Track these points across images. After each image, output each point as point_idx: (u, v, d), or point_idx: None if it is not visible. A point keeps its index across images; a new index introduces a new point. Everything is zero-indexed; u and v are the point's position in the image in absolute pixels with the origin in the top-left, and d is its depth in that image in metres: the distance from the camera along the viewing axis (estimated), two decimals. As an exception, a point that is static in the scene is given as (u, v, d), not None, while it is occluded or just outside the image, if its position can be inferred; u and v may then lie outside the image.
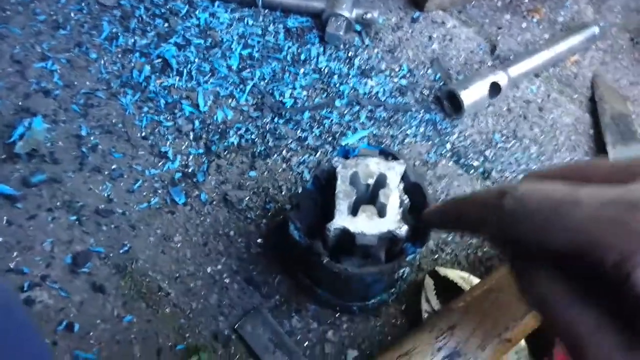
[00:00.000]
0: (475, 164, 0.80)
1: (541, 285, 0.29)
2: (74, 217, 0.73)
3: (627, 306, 0.26)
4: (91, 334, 0.67)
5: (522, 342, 0.66)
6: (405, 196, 0.58)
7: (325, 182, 0.60)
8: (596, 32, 0.89)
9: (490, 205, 0.30)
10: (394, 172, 0.57)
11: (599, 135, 0.81)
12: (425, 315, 0.68)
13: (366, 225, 0.54)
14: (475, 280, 0.70)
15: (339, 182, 0.56)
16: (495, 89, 0.81)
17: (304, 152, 0.79)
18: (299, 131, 0.80)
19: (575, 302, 0.28)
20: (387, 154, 0.60)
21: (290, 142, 0.79)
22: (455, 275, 0.70)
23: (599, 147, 0.81)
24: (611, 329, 0.27)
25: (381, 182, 0.57)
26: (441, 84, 0.86)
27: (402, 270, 0.61)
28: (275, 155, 0.78)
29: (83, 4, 0.89)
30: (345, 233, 0.54)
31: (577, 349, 0.28)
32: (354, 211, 0.55)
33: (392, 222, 0.54)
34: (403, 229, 0.54)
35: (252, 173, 0.77)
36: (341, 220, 0.54)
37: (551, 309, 0.29)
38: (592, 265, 0.26)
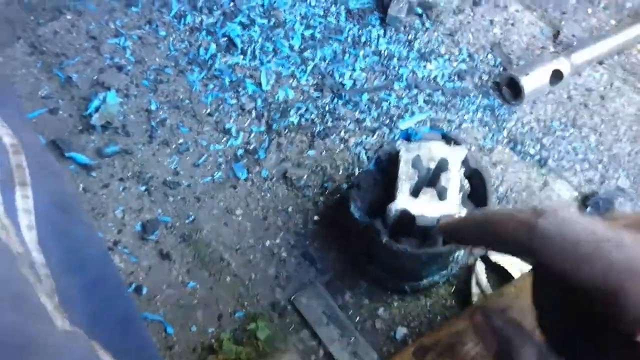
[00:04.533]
0: (532, 151, 0.80)
1: None
2: (144, 188, 0.78)
3: None
4: (157, 297, 0.72)
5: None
6: (466, 181, 0.59)
7: (387, 163, 0.62)
8: (667, 20, 0.87)
9: (523, 222, 0.29)
10: (455, 156, 0.58)
11: (664, 126, 0.80)
12: (475, 298, 0.70)
13: (427, 207, 0.56)
14: (526, 267, 0.71)
15: (401, 164, 0.58)
16: (557, 76, 0.80)
17: (362, 133, 0.81)
18: (357, 112, 0.82)
19: None
20: (449, 139, 0.61)
21: (348, 123, 0.81)
22: (506, 261, 0.71)
23: (663, 139, 0.79)
24: None
25: (443, 166, 0.58)
26: (501, 69, 0.85)
27: (457, 253, 0.63)
28: (334, 136, 0.81)
29: (153, -17, 0.93)
30: (405, 214, 0.56)
31: None
32: (414, 193, 0.57)
33: (453, 205, 0.56)
34: (463, 213, 0.56)
35: (311, 152, 0.80)
36: (403, 201, 0.56)
37: None
38: (611, 314, 0.25)
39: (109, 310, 0.55)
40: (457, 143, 0.60)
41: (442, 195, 0.57)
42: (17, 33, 0.88)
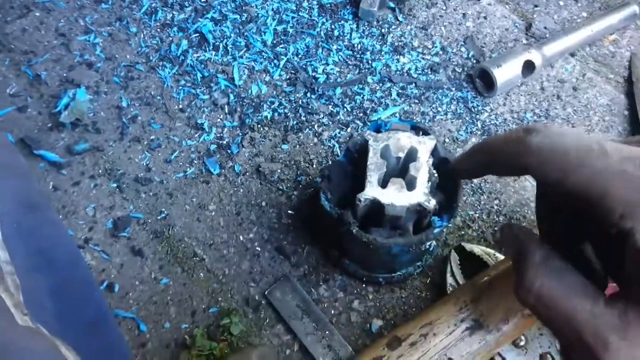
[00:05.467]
0: (506, 142, 0.80)
1: (539, 278, 0.31)
2: (115, 184, 0.77)
3: (627, 265, 0.28)
4: (130, 294, 0.71)
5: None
6: (434, 171, 0.59)
7: (357, 155, 0.62)
8: (637, 11, 0.87)
9: (514, 139, 0.31)
10: (424, 146, 0.58)
11: (634, 116, 0.80)
12: (449, 289, 0.70)
13: (395, 196, 0.56)
14: (500, 257, 0.71)
15: (370, 154, 0.58)
16: (529, 67, 0.80)
17: (335, 126, 0.80)
18: (330, 106, 0.82)
19: (570, 293, 0.30)
20: (418, 129, 0.61)
21: (322, 116, 0.81)
22: (481, 251, 0.71)
23: (634, 128, 0.80)
24: (607, 312, 0.28)
25: (411, 155, 0.58)
26: (474, 62, 0.86)
27: (429, 244, 0.62)
28: (307, 130, 0.80)
29: (124, -21, 0.91)
30: (375, 204, 0.56)
31: (575, 340, 0.29)
32: (383, 183, 0.57)
33: (421, 194, 0.56)
34: (431, 202, 0.55)
35: (285, 146, 0.79)
36: (371, 191, 0.56)
37: (549, 304, 0.30)
38: (601, 216, 0.28)
39: (78, 310, 0.55)
40: (426, 133, 0.60)
41: (411, 184, 0.56)
42: (-15, 31, 0.87)
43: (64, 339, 0.43)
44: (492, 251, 0.71)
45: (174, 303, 0.70)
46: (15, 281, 0.43)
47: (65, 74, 0.83)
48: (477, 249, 0.71)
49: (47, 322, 0.43)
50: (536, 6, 0.91)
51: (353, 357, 0.65)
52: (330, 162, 0.77)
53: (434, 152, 0.60)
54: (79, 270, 0.60)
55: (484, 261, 0.70)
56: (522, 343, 0.65)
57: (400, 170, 0.59)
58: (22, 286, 0.43)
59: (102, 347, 0.55)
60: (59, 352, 0.41)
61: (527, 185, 0.77)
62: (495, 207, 0.75)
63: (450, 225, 0.63)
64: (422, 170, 0.57)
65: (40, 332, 0.41)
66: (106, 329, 0.59)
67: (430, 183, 0.57)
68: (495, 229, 0.74)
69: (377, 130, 0.62)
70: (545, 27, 0.89)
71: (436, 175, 0.59)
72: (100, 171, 0.78)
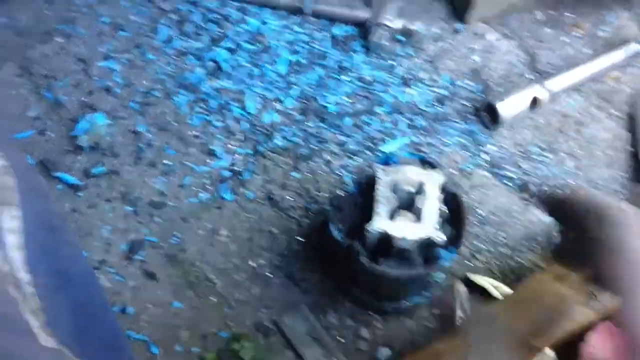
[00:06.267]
0: (513, 175, 0.82)
1: None
2: (130, 208, 0.79)
3: None
4: (142, 317, 0.72)
5: (549, 351, 0.68)
6: (444, 207, 0.61)
7: (366, 187, 0.64)
8: (637, 50, 0.90)
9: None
10: (432, 180, 0.60)
11: (637, 152, 0.82)
12: (459, 321, 0.71)
13: (404, 229, 0.58)
14: (505, 289, 0.73)
15: (379, 187, 0.60)
16: (533, 102, 0.83)
17: (345, 156, 0.83)
18: (340, 136, 0.84)
19: None
20: (426, 163, 0.63)
21: (331, 146, 0.84)
22: (486, 282, 0.73)
23: (636, 164, 0.82)
24: None
25: (420, 189, 0.60)
26: (480, 95, 0.88)
27: (436, 275, 0.64)
28: (317, 158, 0.83)
29: (143, 8, 0.95)
30: (384, 236, 0.58)
31: None
32: (392, 216, 0.59)
33: (431, 229, 0.58)
34: (441, 237, 0.57)
35: (296, 174, 0.81)
36: (380, 223, 0.58)
37: None
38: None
39: (94, 329, 0.55)
40: (433, 167, 0.62)
41: (418, 218, 0.58)
42: (7, 56, 0.90)
43: (81, 359, 0.44)
44: (497, 283, 0.73)
45: (186, 326, 0.72)
46: (38, 302, 0.44)
47: (84, 99, 0.86)
48: (482, 280, 0.73)
49: (67, 342, 0.44)
50: (540, 41, 0.95)
51: (360, 384, 0.66)
52: (339, 192, 0.79)
53: (444, 187, 0.62)
54: (94, 289, 0.61)
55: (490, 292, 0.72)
56: (526, 374, 0.66)
57: (407, 203, 0.62)
58: (45, 306, 0.44)
59: None
60: None
61: (533, 219, 0.79)
62: (501, 238, 0.77)
63: (456, 256, 0.65)
64: (431, 204, 0.59)
65: (63, 353, 0.42)
66: (120, 349, 0.61)
67: (440, 218, 0.59)
68: (501, 261, 0.76)
69: (386, 163, 0.64)
70: (549, 63, 0.92)
71: (446, 210, 0.61)
72: (115, 194, 0.80)
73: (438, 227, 0.58)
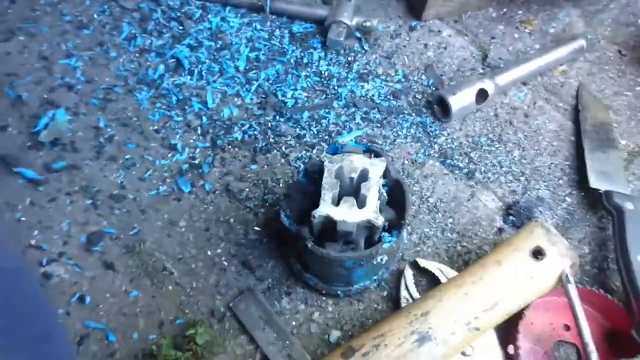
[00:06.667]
0: (461, 165, 0.85)
1: None
2: (90, 201, 0.81)
3: None
4: (101, 306, 0.74)
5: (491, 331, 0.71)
6: (383, 190, 0.64)
7: (316, 175, 0.67)
8: (584, 45, 0.94)
9: None
10: (375, 168, 0.63)
11: (580, 142, 0.86)
12: (403, 302, 0.74)
13: (347, 213, 0.60)
14: (452, 273, 0.75)
15: (325, 174, 0.63)
16: (482, 95, 0.86)
17: (302, 148, 0.85)
18: (298, 129, 0.87)
19: None
20: (371, 152, 0.66)
21: (289, 139, 0.86)
22: (434, 266, 0.76)
23: (579, 154, 0.86)
24: None
25: (364, 176, 0.63)
26: (433, 89, 0.91)
27: (380, 258, 0.67)
28: (275, 151, 0.85)
29: (106, 7, 0.97)
30: (328, 220, 0.61)
31: None
32: (337, 201, 0.62)
33: (371, 212, 0.60)
34: (380, 219, 0.60)
35: (253, 166, 0.84)
36: (325, 208, 0.61)
37: None
38: None
39: (24, 323, 0.54)
40: (378, 155, 0.65)
41: (362, 203, 0.61)
42: (-30, 53, 0.91)
43: (7, 354, 0.43)
44: (444, 267, 0.76)
45: (143, 315, 0.74)
46: None
47: (45, 96, 0.88)
48: (430, 265, 0.76)
49: None
50: (493, 38, 0.98)
51: (310, 365, 0.69)
52: (287, 186, 0.82)
53: (386, 173, 0.65)
54: (24, 284, 0.61)
55: (437, 277, 0.75)
56: (469, 352, 0.69)
57: (353, 189, 0.64)
58: None
59: None
60: None
61: (479, 205, 0.82)
62: (450, 225, 0.80)
63: (399, 240, 0.68)
64: (373, 189, 0.62)
65: None
66: (54, 340, 0.60)
67: (379, 202, 0.62)
68: (449, 246, 0.79)
69: (335, 152, 0.67)
70: (500, 58, 0.95)
71: (385, 194, 0.64)
72: (76, 188, 0.81)
73: (377, 210, 0.61)
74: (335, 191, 0.62)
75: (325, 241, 0.64)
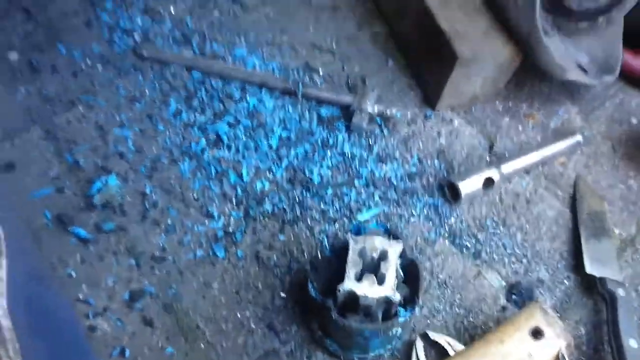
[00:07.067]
0: (468, 245, 0.94)
1: None
2: (134, 261, 0.90)
3: None
4: None
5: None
6: (400, 271, 0.73)
7: (340, 251, 0.76)
8: (581, 140, 1.05)
9: None
10: (393, 249, 0.72)
11: (576, 229, 0.95)
12: (415, 371, 0.81)
13: (368, 289, 0.69)
14: (459, 346, 0.83)
15: (350, 253, 0.72)
16: (488, 182, 0.96)
17: (325, 222, 0.95)
18: (322, 204, 0.97)
19: None
20: (390, 234, 0.75)
21: (314, 212, 0.96)
22: (443, 340, 0.84)
23: (576, 240, 0.95)
24: None
25: (383, 256, 0.72)
26: (445, 173, 1.02)
27: (395, 330, 0.75)
28: (301, 223, 0.95)
29: (156, 83, 1.09)
30: (352, 295, 0.69)
31: None
32: (359, 278, 0.70)
33: (389, 289, 0.69)
34: (397, 296, 0.69)
35: (281, 236, 0.93)
36: (349, 284, 0.69)
37: None
38: None
39: None
40: (395, 238, 0.74)
41: (381, 280, 0.70)
42: (34, 120, 1.03)
43: None
44: (452, 340, 0.84)
45: (176, 370, 0.81)
46: (15, 347, 0.46)
47: (100, 162, 0.99)
48: (440, 338, 0.84)
49: None
50: (499, 128, 1.09)
51: None
52: (319, 254, 0.91)
53: (403, 254, 0.74)
54: (75, 338, 0.67)
55: (445, 349, 0.82)
56: (473, 423, 0.76)
57: (373, 266, 0.73)
58: (23, 350, 0.46)
59: None
60: None
61: (485, 283, 0.90)
62: (457, 300, 0.88)
63: (414, 315, 0.76)
64: (391, 269, 0.71)
65: None
66: None
67: (397, 280, 0.71)
68: (457, 320, 0.87)
69: (357, 232, 0.76)
70: (505, 147, 1.06)
71: (401, 273, 0.73)
72: (122, 248, 0.91)
73: (395, 288, 0.69)
74: (359, 268, 0.71)
75: (347, 312, 0.72)
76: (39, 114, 1.04)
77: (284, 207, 0.96)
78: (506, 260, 0.93)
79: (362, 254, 0.72)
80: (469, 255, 0.93)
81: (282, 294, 0.88)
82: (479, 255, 0.93)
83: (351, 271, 0.71)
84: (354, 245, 0.73)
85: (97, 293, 0.87)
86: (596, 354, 0.85)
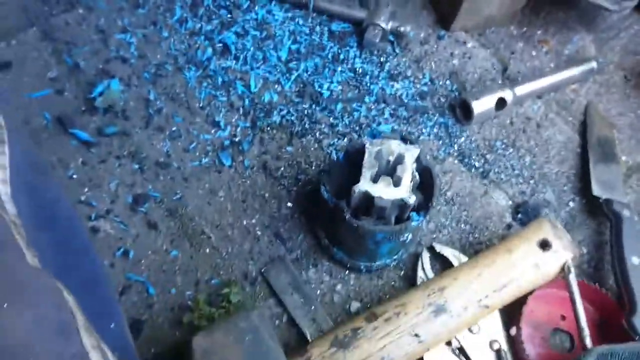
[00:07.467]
0: (477, 164, 0.93)
1: None
2: (137, 166, 0.87)
3: None
4: (142, 261, 0.81)
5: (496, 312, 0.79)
6: (416, 173, 0.72)
7: (353, 157, 0.74)
8: (594, 67, 1.03)
9: None
10: (410, 153, 0.71)
11: (585, 154, 0.95)
12: (419, 281, 0.82)
13: (384, 191, 0.68)
14: (465, 259, 0.83)
15: (366, 155, 0.70)
16: (501, 103, 0.95)
17: (334, 136, 0.93)
18: (331, 118, 0.95)
19: None
20: (406, 140, 0.74)
21: (323, 126, 0.94)
22: (449, 252, 0.84)
23: (584, 164, 0.94)
24: None
25: (399, 159, 0.71)
26: (456, 94, 1.00)
27: (406, 235, 0.75)
28: (310, 136, 0.93)
29: (160, -11, 1.04)
30: (366, 196, 0.68)
31: None
32: (375, 179, 0.69)
33: (404, 191, 0.68)
34: (412, 199, 0.68)
35: (289, 148, 0.91)
36: (365, 185, 0.68)
37: None
38: None
39: (75, 269, 0.58)
40: (412, 143, 0.73)
41: (397, 183, 0.69)
42: (31, 21, 0.98)
43: None
44: (457, 253, 0.84)
45: (181, 273, 0.81)
46: (23, 233, 0.45)
47: (101, 66, 0.95)
48: (446, 250, 0.84)
49: None
50: (512, 53, 1.07)
51: (334, 328, 0.76)
52: (332, 159, 0.89)
53: (417, 160, 0.73)
54: (76, 232, 0.66)
55: (450, 262, 0.83)
56: (475, 330, 0.77)
57: (389, 170, 0.72)
58: (28, 241, 0.45)
59: (95, 305, 0.56)
60: (62, 295, 0.43)
61: (492, 201, 0.90)
62: (464, 217, 0.88)
63: (425, 220, 0.76)
64: (407, 172, 0.70)
65: (47, 273, 0.44)
66: (100, 289, 0.64)
67: (412, 183, 0.70)
68: (462, 235, 0.87)
69: (373, 137, 0.74)
70: (518, 72, 1.04)
71: (417, 178, 0.72)
72: (125, 153, 0.88)
73: (410, 191, 0.68)
74: (374, 170, 0.70)
75: (359, 215, 0.72)
76: (36, 14, 0.99)
77: (293, 119, 0.94)
78: (514, 180, 0.93)
79: (378, 156, 0.71)
80: (477, 175, 0.93)
81: (289, 204, 0.87)
82: (487, 175, 0.93)
83: (367, 173, 0.69)
84: (371, 148, 0.71)
85: (100, 195, 0.85)
86: (597, 272, 0.86)
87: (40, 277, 0.43)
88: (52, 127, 0.89)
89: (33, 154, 0.62)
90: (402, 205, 0.69)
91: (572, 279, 0.75)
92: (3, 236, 0.43)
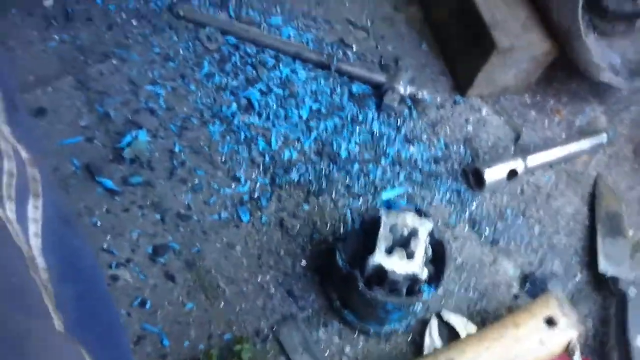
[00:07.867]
0: (487, 232, 0.96)
1: None
2: (159, 216, 0.91)
3: None
4: (158, 312, 0.84)
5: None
6: (429, 247, 0.75)
7: (368, 225, 0.77)
8: (605, 140, 1.06)
9: None
10: (424, 227, 0.74)
11: (593, 227, 0.97)
12: (426, 349, 0.84)
13: (397, 264, 0.71)
14: (472, 327, 0.85)
15: (381, 228, 0.73)
16: (512, 173, 0.98)
17: (350, 197, 0.96)
18: (347, 179, 0.98)
19: None
20: (420, 212, 0.77)
21: (339, 186, 0.97)
22: (457, 320, 0.86)
23: (592, 237, 0.97)
24: None
25: (414, 233, 0.74)
26: (470, 160, 1.03)
27: (416, 305, 0.77)
28: (326, 195, 0.96)
29: (190, 44, 1.09)
30: (380, 268, 0.71)
31: None
32: (389, 251, 0.72)
33: (417, 266, 0.71)
34: (424, 274, 0.71)
35: (306, 206, 0.94)
36: (379, 257, 0.71)
37: None
38: None
39: (94, 318, 0.59)
40: (426, 216, 0.76)
41: (410, 256, 0.72)
42: (67, 69, 1.03)
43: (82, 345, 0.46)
44: (465, 321, 0.86)
45: (195, 325, 0.83)
46: (50, 289, 0.47)
47: (130, 116, 0.99)
48: (453, 318, 0.86)
49: (69, 328, 0.46)
50: (525, 121, 1.10)
51: (341, 392, 0.78)
52: (342, 226, 0.92)
53: (431, 234, 0.76)
54: (98, 284, 0.68)
55: (457, 329, 0.85)
56: (480, 402, 0.78)
57: (403, 241, 0.75)
58: (55, 293, 0.46)
59: (111, 355, 0.58)
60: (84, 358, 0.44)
61: (500, 270, 0.92)
62: (472, 284, 0.91)
63: (436, 292, 0.78)
64: (420, 246, 0.72)
65: (72, 339, 0.45)
66: (116, 338, 0.66)
67: (424, 257, 0.73)
68: (469, 304, 0.89)
69: (389, 207, 0.78)
70: (530, 140, 1.07)
71: (430, 252, 0.75)
72: (148, 203, 0.92)
73: (422, 266, 0.71)
74: (389, 243, 0.72)
75: (372, 284, 0.74)
76: (72, 63, 1.04)
77: (310, 178, 0.97)
78: (522, 250, 0.95)
79: (393, 229, 0.74)
80: (487, 242, 0.95)
81: (303, 262, 0.89)
82: (496, 243, 0.95)
83: (382, 245, 0.72)
84: (386, 220, 0.74)
85: (121, 244, 0.88)
86: (601, 347, 0.87)
87: (66, 342, 0.45)
88: (80, 174, 0.93)
89: (62, 204, 0.65)
90: (413, 279, 0.71)
91: (577, 358, 0.77)
92: (35, 302, 0.45)
